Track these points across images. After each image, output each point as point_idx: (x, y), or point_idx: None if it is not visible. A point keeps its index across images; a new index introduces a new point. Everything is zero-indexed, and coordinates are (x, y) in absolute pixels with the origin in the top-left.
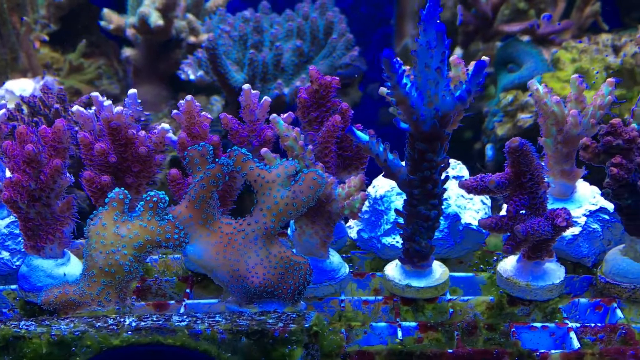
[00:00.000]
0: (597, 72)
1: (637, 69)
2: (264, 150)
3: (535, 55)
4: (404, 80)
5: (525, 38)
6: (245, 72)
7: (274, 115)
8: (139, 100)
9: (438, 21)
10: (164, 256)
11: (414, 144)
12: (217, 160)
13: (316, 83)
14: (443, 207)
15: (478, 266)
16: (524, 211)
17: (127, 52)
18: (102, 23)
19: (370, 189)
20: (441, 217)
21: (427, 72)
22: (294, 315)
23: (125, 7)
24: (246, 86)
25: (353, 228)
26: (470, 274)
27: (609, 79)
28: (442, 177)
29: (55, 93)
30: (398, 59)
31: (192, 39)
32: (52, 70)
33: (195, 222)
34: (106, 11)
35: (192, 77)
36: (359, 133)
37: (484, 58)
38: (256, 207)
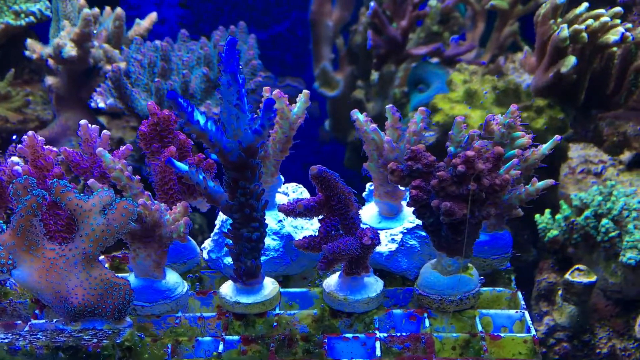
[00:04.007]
0: (486, 92)
1: (522, 89)
2: (91, 181)
3: (442, 76)
4: (197, 117)
5: (435, 60)
6: (152, 99)
7: (100, 149)
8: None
9: (235, 63)
10: None
11: (227, 173)
12: (33, 192)
13: (155, 116)
14: (278, 227)
15: (315, 281)
16: (341, 231)
17: (50, 80)
18: (27, 52)
19: (221, 213)
20: (277, 237)
21: (230, 108)
22: (109, 332)
23: None
24: (83, 121)
25: (206, 249)
26: (305, 290)
27: (420, 108)
28: (262, 202)
29: None
30: (183, 99)
31: (108, 67)
32: None
33: (19, 248)
34: (29, 41)
35: (101, 105)
36: (178, 163)
37: (272, 95)
38: (77, 233)
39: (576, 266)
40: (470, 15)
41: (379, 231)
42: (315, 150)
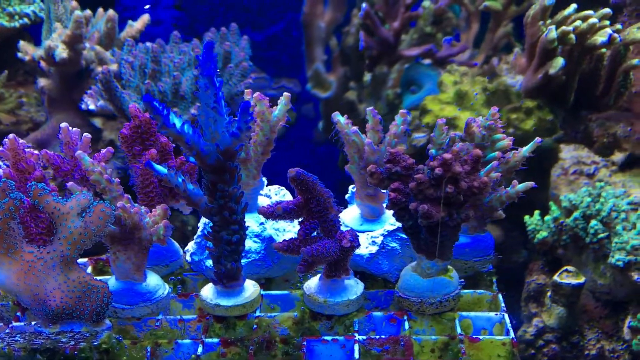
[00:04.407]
0: (477, 94)
1: (512, 89)
2: (70, 183)
3: (434, 78)
4: (173, 120)
5: (427, 61)
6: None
7: (80, 151)
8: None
9: (212, 66)
10: None
11: (206, 176)
12: (11, 194)
13: (137, 119)
14: (260, 230)
15: (297, 283)
16: (322, 234)
17: (42, 82)
18: (19, 54)
19: None
20: (258, 240)
21: (208, 111)
22: (87, 335)
23: None
24: (63, 124)
25: (189, 251)
26: (286, 292)
27: (401, 110)
28: (242, 204)
29: None
30: (158, 102)
31: (100, 69)
32: None
33: None
34: (22, 43)
35: (91, 107)
36: (157, 167)
37: (247, 98)
38: (55, 236)
39: (565, 268)
40: (464, 16)
41: (360, 233)
42: (311, 151)
